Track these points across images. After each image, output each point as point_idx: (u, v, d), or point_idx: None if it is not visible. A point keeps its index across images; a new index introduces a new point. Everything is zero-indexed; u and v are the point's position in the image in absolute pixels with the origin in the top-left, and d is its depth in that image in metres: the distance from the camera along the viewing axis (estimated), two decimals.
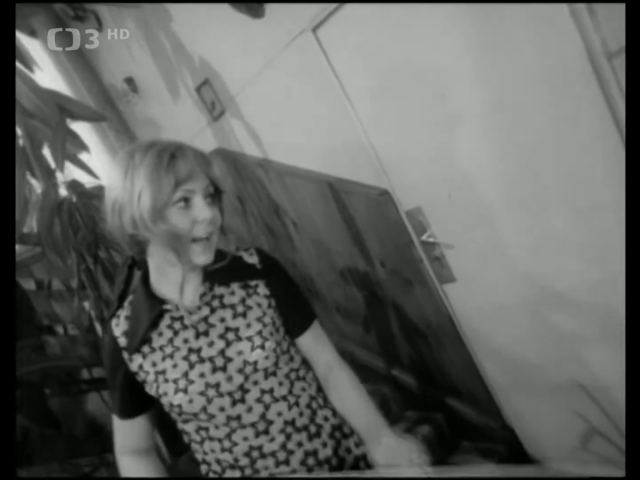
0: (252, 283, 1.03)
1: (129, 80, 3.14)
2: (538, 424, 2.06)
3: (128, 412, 1.05)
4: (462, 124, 1.79)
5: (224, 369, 0.97)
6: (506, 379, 2.09)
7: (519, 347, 1.97)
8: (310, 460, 1.00)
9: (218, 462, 1.02)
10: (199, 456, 1.06)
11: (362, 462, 1.06)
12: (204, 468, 1.06)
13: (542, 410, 2.02)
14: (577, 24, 1.46)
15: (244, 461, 0.99)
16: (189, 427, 1.02)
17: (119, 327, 1.00)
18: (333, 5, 1.98)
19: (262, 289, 1.03)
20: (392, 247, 2.19)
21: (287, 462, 0.98)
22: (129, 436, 1.07)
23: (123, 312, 1.01)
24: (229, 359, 0.97)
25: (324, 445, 1.02)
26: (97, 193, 1.91)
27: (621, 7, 1.35)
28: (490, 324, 2.00)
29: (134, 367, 0.99)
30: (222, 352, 0.97)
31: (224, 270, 1.02)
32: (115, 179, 0.92)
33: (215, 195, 0.95)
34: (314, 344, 1.08)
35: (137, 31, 2.93)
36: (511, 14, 1.56)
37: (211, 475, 1.05)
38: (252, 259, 1.06)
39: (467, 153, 1.83)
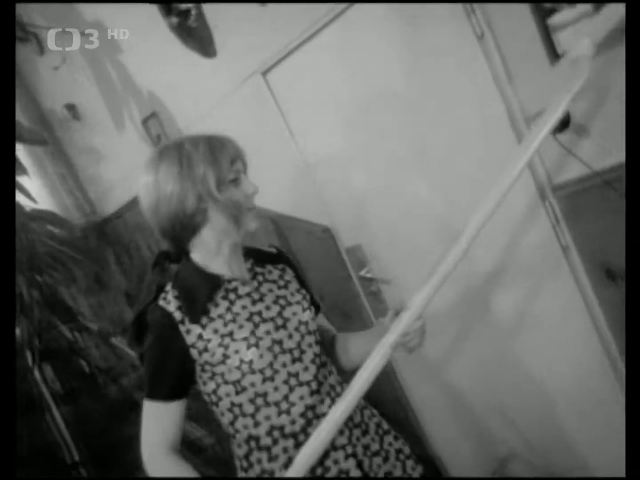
0: (280, 266, 1.20)
1: (70, 107, 3.10)
2: (458, 448, 2.18)
3: (177, 392, 1.07)
4: (403, 166, 1.96)
5: (284, 327, 1.09)
6: (431, 405, 2.21)
7: (444, 373, 2.10)
8: (351, 423, 1.11)
9: (270, 432, 1.06)
10: (242, 434, 1.08)
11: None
12: (242, 450, 1.09)
13: (462, 435, 2.15)
14: (500, 89, 1.67)
15: (299, 422, 1.06)
16: (242, 398, 1.06)
17: (170, 305, 1.05)
18: (284, 52, 2.13)
19: (289, 271, 1.21)
20: (332, 281, 2.29)
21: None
22: (168, 424, 1.07)
23: (168, 295, 1.06)
24: (287, 319, 1.10)
25: (360, 412, 1.17)
26: (36, 215, 1.87)
27: (538, 74, 1.58)
28: (421, 356, 2.13)
29: (191, 338, 1.04)
30: (279, 314, 1.09)
31: (256, 253, 1.19)
32: (167, 172, 1.02)
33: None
34: (322, 318, 1.29)
35: (82, 59, 2.93)
36: (444, 76, 1.76)
37: (255, 454, 1.08)
38: (272, 250, 1.25)
39: (406, 193, 1.99)
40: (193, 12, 2.38)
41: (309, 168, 2.22)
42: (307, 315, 1.13)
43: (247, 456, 1.10)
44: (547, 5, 1.50)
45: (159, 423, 1.07)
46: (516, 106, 1.66)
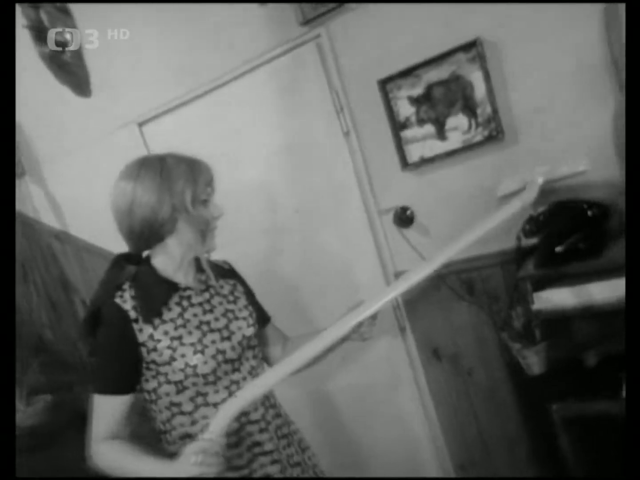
0: (232, 282, 1.28)
1: None
2: None
3: (126, 386, 1.10)
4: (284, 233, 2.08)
5: (229, 339, 1.15)
6: None
7: None
8: (279, 432, 1.21)
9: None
10: (178, 432, 1.12)
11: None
12: (175, 447, 1.11)
13: None
14: (359, 186, 1.89)
15: (233, 425, 1.10)
16: (183, 397, 1.10)
17: (126, 303, 1.08)
18: (163, 109, 2.16)
19: (239, 287, 1.29)
20: None
21: (266, 430, 1.17)
22: (116, 418, 1.09)
23: (125, 293, 1.09)
24: (232, 332, 1.17)
25: (287, 424, 1.28)
26: None
27: (391, 176, 1.81)
28: None
29: (142, 337, 1.08)
30: (226, 326, 1.16)
31: (212, 267, 1.24)
32: (146, 180, 1.08)
33: None
34: (275, 330, 1.39)
35: None
36: (312, 165, 1.93)
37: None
38: (226, 265, 1.33)
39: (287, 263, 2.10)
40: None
41: None
42: (250, 331, 1.21)
43: (176, 454, 1.11)
44: (401, 119, 1.76)
45: (107, 417, 1.09)
46: (371, 201, 1.88)
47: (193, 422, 1.12)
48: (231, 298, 1.24)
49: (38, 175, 2.59)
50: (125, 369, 1.10)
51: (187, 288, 1.16)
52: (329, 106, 1.89)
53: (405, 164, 1.78)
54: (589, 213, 1.40)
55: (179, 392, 1.10)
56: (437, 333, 1.86)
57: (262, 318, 1.34)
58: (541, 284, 1.45)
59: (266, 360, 1.35)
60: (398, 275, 1.89)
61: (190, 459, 0.93)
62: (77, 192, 2.47)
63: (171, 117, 2.21)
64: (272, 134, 2.02)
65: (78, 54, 2.30)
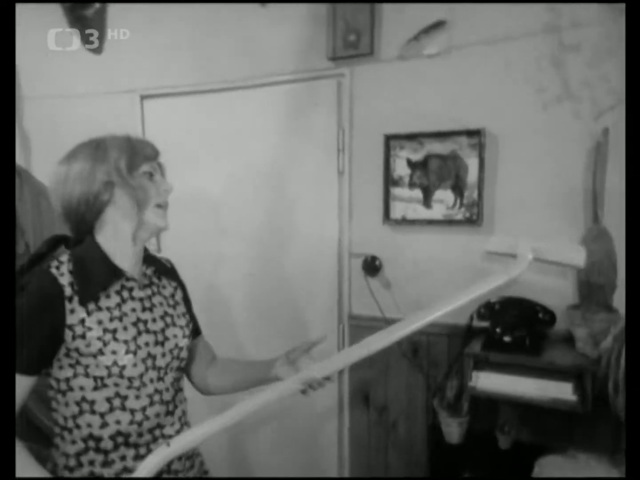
0: (174, 284, 1.19)
1: None
2: None
3: (35, 367, 0.97)
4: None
5: (162, 344, 1.08)
6: None
7: None
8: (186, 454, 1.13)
9: (114, 436, 1.02)
10: (82, 432, 1.02)
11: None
12: (75, 448, 1.02)
13: None
14: (339, 224, 1.97)
15: (146, 437, 1.04)
16: (99, 395, 1.00)
17: (63, 277, 0.98)
18: (168, 90, 2.16)
19: (179, 293, 1.20)
20: None
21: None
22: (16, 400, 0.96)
23: (63, 266, 1.00)
24: (167, 338, 1.09)
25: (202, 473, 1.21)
26: None
27: (372, 225, 1.90)
28: None
29: (72, 319, 0.97)
30: (162, 330, 1.09)
31: (156, 263, 1.16)
32: (80, 154, 1.02)
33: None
34: (205, 346, 1.29)
35: None
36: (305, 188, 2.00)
37: (90, 454, 1.02)
38: (168, 264, 1.22)
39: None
40: (96, 5, 2.26)
41: None
42: (184, 342, 1.13)
43: (78, 454, 1.03)
44: (395, 176, 1.87)
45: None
46: (346, 242, 1.97)
47: (103, 425, 1.01)
48: (171, 302, 1.16)
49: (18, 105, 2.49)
50: (39, 348, 0.97)
51: (131, 279, 1.07)
52: (332, 143, 1.97)
53: (387, 217, 1.88)
54: (540, 315, 1.55)
55: (96, 388, 1.00)
56: (373, 382, 1.96)
57: (195, 330, 1.25)
58: (481, 365, 1.58)
59: (188, 375, 1.25)
60: (352, 317, 1.97)
61: None
62: (51, 135, 2.39)
63: (174, 101, 2.21)
64: (266, 152, 2.07)
65: (102, 9, 2.26)
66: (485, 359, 1.55)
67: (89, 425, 1.01)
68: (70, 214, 1.03)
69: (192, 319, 1.23)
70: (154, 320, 1.08)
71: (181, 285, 1.22)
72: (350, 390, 2.00)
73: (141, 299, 1.08)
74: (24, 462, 0.96)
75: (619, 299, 1.48)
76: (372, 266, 1.92)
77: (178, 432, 1.09)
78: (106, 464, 1.02)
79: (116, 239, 1.04)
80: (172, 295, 1.17)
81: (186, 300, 1.22)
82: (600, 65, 1.57)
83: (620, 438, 1.35)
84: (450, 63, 1.78)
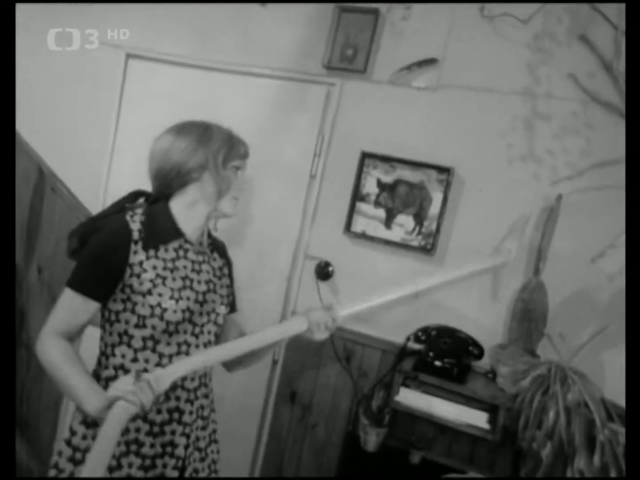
0: (223, 260, 1.34)
1: None
2: None
3: (100, 294, 1.12)
4: None
5: (201, 304, 1.19)
6: None
7: None
8: (200, 412, 1.24)
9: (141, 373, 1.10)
10: (116, 360, 1.14)
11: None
12: (107, 372, 1.14)
13: None
14: (301, 225, 2.03)
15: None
16: (137, 332, 1.13)
17: (134, 224, 1.15)
18: (157, 56, 2.11)
19: (226, 269, 1.34)
20: None
21: (192, 402, 1.20)
22: (77, 320, 1.11)
23: (136, 217, 1.16)
24: (206, 301, 1.21)
25: (210, 410, 1.32)
26: None
27: (332, 234, 1.98)
28: None
29: (134, 259, 1.12)
30: (204, 294, 1.21)
31: (213, 239, 1.32)
32: (188, 134, 1.17)
33: None
34: (236, 320, 1.39)
35: None
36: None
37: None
38: (222, 243, 1.37)
39: None
40: None
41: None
42: (221, 309, 1.26)
43: (107, 379, 1.14)
44: (363, 192, 1.96)
45: (70, 314, 1.11)
46: (304, 244, 2.03)
47: (133, 360, 1.13)
48: (218, 273, 1.29)
49: None
50: (106, 276, 1.12)
51: (189, 242, 1.21)
52: (310, 146, 2.02)
53: (348, 229, 1.97)
54: (470, 348, 1.70)
55: (137, 326, 1.12)
56: (303, 380, 2.03)
57: (232, 305, 1.37)
58: (409, 382, 1.70)
59: (217, 343, 1.35)
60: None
61: (124, 384, 0.96)
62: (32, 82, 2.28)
63: (160, 67, 2.17)
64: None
65: None
66: (414, 377, 1.68)
67: (123, 357, 1.14)
68: (159, 176, 1.19)
69: (232, 294, 1.37)
70: (199, 282, 1.21)
71: (228, 263, 1.37)
72: (279, 386, 2.06)
73: (193, 262, 1.21)
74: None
75: (543, 347, 1.67)
76: (324, 271, 1.99)
77: (196, 388, 1.21)
78: None
79: (187, 210, 1.20)
80: (220, 268, 1.31)
81: (230, 277, 1.36)
82: (565, 138, 1.76)
83: (519, 466, 1.53)
84: (435, 99, 1.90)
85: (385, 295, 1.24)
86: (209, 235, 1.31)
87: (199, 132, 1.18)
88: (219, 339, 1.31)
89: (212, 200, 1.20)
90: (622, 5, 1.69)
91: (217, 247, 1.33)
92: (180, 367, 1.04)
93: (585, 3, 1.74)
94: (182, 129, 1.19)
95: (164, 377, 1.00)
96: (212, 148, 1.17)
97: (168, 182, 1.18)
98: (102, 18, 2.21)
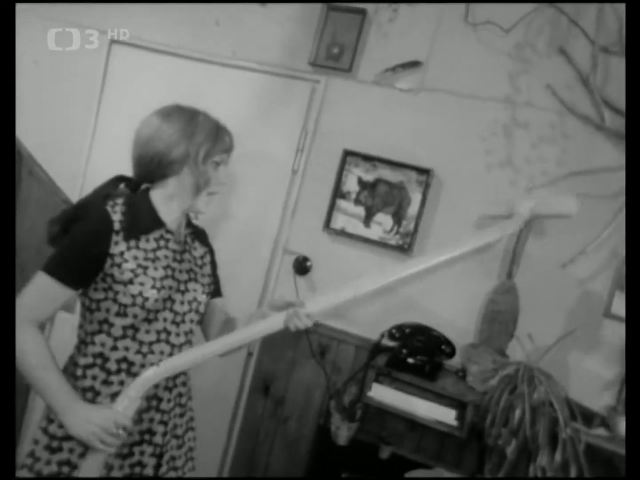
0: (204, 248, 1.34)
1: None
2: None
3: (76, 282, 1.12)
4: None
5: (183, 293, 1.20)
6: None
7: None
8: (178, 400, 1.24)
9: (120, 361, 1.13)
10: (95, 349, 1.14)
11: None
12: (85, 360, 1.14)
13: None
14: (281, 220, 2.04)
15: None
16: (122, 321, 1.13)
17: (115, 214, 1.14)
18: (141, 43, 2.09)
19: (208, 257, 1.34)
20: None
21: (169, 390, 1.20)
22: (49, 306, 1.12)
23: (116, 207, 1.15)
24: (187, 290, 1.21)
25: (188, 398, 1.32)
26: None
27: (312, 230, 1.99)
28: None
29: (114, 249, 1.12)
30: (185, 283, 1.21)
31: (194, 228, 1.33)
32: (174, 122, 1.16)
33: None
34: (220, 303, 1.39)
35: None
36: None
37: (95, 370, 1.13)
38: (203, 232, 1.38)
39: None
40: None
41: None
42: (202, 298, 1.26)
43: (86, 367, 1.14)
44: (344, 189, 1.98)
45: (43, 300, 1.11)
46: (283, 238, 2.04)
47: (113, 348, 1.13)
48: (199, 262, 1.29)
49: None
50: (84, 265, 1.12)
51: (169, 232, 1.22)
52: (293, 142, 2.04)
53: (328, 225, 1.99)
54: (443, 347, 1.74)
55: (118, 314, 1.13)
56: (277, 374, 2.05)
57: (216, 291, 1.38)
58: (382, 379, 1.73)
59: (204, 333, 1.38)
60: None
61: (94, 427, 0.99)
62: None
63: (144, 55, 2.15)
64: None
65: None
66: (387, 373, 1.71)
67: (102, 345, 1.14)
68: (141, 164, 1.18)
69: (215, 280, 1.38)
70: (180, 271, 1.21)
71: (210, 250, 1.37)
72: (253, 378, 2.07)
73: (174, 251, 1.22)
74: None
75: (512, 348, 1.73)
76: (302, 266, 2.01)
77: (175, 376, 1.20)
78: (105, 383, 1.13)
79: (166, 202, 1.20)
80: (201, 257, 1.31)
81: (212, 264, 1.37)
82: (541, 147, 1.81)
83: (484, 462, 1.57)
84: (418, 102, 1.93)
85: (362, 285, 1.18)
86: (190, 223, 1.32)
87: (185, 120, 1.17)
88: (204, 324, 1.35)
89: (189, 196, 1.20)
90: (601, 21, 1.76)
91: (197, 236, 1.34)
92: (160, 371, 1.08)
93: (586, 3, 1.77)
94: (169, 115, 1.17)
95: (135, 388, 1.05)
96: (195, 141, 1.16)
97: (149, 171, 1.18)
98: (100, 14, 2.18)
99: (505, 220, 1.14)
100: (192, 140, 1.15)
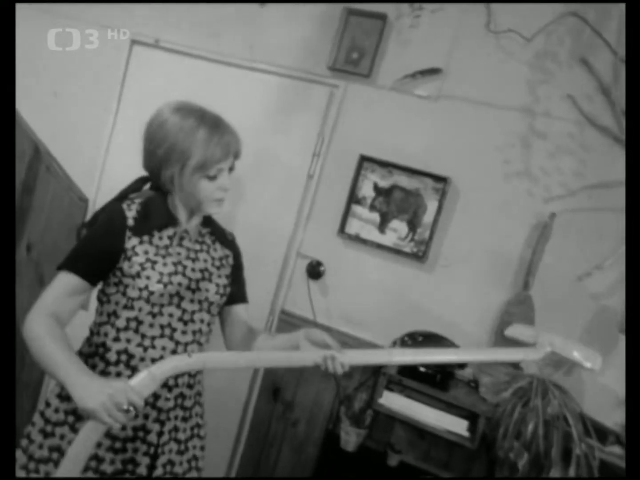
0: (227, 251, 1.32)
1: None
2: None
3: (94, 276, 1.14)
4: None
5: (193, 292, 1.19)
6: None
7: None
8: (180, 401, 1.21)
9: (120, 353, 1.14)
10: (99, 339, 1.16)
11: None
12: (89, 349, 1.16)
13: None
14: (295, 222, 2.04)
15: (145, 365, 1.12)
16: (127, 314, 1.14)
17: (130, 212, 1.16)
18: (164, 44, 2.10)
19: (230, 260, 1.33)
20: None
21: (170, 389, 1.18)
22: (68, 301, 1.11)
23: (133, 205, 1.17)
24: (199, 289, 1.20)
25: (195, 402, 1.29)
26: None
27: (326, 237, 1.98)
28: None
29: (128, 244, 1.14)
30: (197, 281, 1.20)
31: (215, 228, 1.32)
32: (183, 120, 1.15)
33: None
34: (245, 311, 1.36)
35: None
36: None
37: (95, 359, 1.14)
38: (230, 237, 1.37)
39: None
40: None
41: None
42: (215, 298, 1.24)
43: (88, 355, 1.17)
44: (359, 195, 1.98)
45: (62, 295, 1.11)
46: (297, 242, 2.05)
47: (115, 339, 1.14)
48: (217, 263, 1.28)
49: None
50: (101, 260, 1.14)
51: (185, 230, 1.23)
52: (309, 146, 2.04)
53: (342, 230, 1.99)
54: None
55: (125, 307, 1.14)
56: (287, 377, 2.05)
57: (238, 296, 1.34)
58: (393, 386, 1.73)
59: (224, 338, 1.35)
60: (283, 312, 2.05)
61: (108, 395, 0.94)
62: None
63: (164, 56, 2.16)
64: (242, 135, 2.08)
65: None
66: (398, 381, 1.71)
67: (106, 335, 1.16)
68: (148, 168, 1.21)
69: (239, 285, 1.36)
70: (193, 269, 1.20)
71: (235, 255, 1.36)
72: (263, 380, 2.07)
73: (188, 249, 1.22)
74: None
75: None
76: (315, 270, 2.01)
77: (177, 376, 1.18)
78: (104, 373, 1.14)
79: (179, 203, 1.21)
80: (221, 259, 1.30)
81: (235, 267, 1.35)
82: (559, 158, 1.80)
83: (493, 473, 1.57)
84: (436, 109, 1.93)
85: (395, 354, 1.18)
86: (211, 223, 1.31)
87: (187, 130, 1.14)
88: (226, 332, 1.33)
89: (189, 207, 1.22)
90: (622, 32, 1.74)
91: (219, 238, 1.32)
92: (191, 362, 1.06)
93: (586, 3, 1.76)
94: (167, 121, 1.16)
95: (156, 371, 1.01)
96: (180, 160, 1.14)
97: (156, 172, 1.19)
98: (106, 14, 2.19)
99: (529, 348, 1.18)
100: (178, 160, 1.14)
